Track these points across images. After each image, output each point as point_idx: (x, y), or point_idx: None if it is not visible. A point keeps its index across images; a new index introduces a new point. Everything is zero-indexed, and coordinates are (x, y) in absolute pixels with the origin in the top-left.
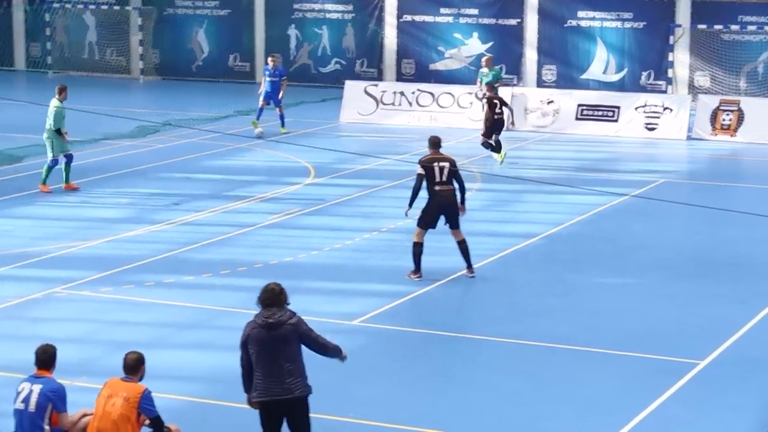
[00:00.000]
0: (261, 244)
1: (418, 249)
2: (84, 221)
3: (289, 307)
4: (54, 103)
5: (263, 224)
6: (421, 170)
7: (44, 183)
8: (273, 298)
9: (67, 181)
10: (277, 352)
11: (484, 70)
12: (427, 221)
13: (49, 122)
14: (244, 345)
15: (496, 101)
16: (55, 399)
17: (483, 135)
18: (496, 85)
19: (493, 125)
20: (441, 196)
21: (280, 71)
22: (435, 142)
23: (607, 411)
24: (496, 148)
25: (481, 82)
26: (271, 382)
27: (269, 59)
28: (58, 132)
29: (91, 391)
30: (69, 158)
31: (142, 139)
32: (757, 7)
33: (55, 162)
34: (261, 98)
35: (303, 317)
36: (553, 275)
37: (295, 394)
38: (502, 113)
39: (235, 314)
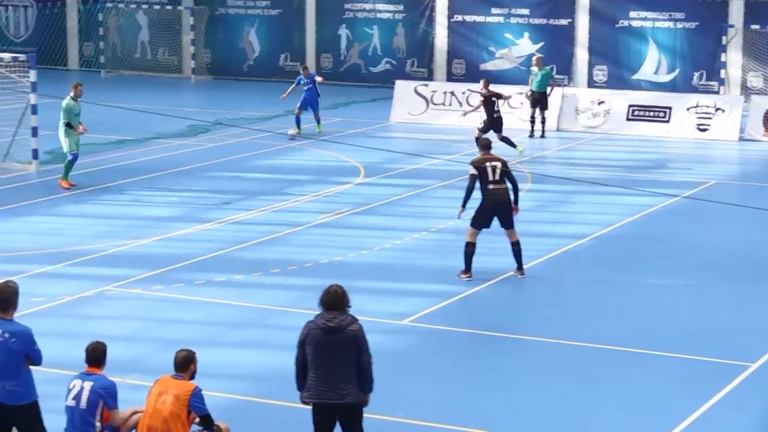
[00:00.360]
0: (311, 243)
1: (470, 249)
2: (135, 220)
3: (350, 310)
4: (66, 99)
5: (313, 223)
6: (474, 171)
7: (65, 178)
8: (335, 300)
9: (65, 177)
10: (334, 357)
11: (534, 69)
12: (480, 221)
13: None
14: (302, 344)
15: (493, 99)
16: (106, 396)
17: (479, 129)
18: (549, 88)
19: (493, 123)
20: (494, 195)
21: (312, 76)
22: (486, 144)
23: (657, 412)
24: (511, 142)
25: (532, 82)
26: (324, 385)
27: (301, 69)
28: (69, 126)
29: (142, 388)
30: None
31: (194, 138)
32: None
33: (74, 156)
34: (297, 107)
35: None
36: (604, 276)
37: (347, 401)
38: (499, 111)
39: (286, 313)
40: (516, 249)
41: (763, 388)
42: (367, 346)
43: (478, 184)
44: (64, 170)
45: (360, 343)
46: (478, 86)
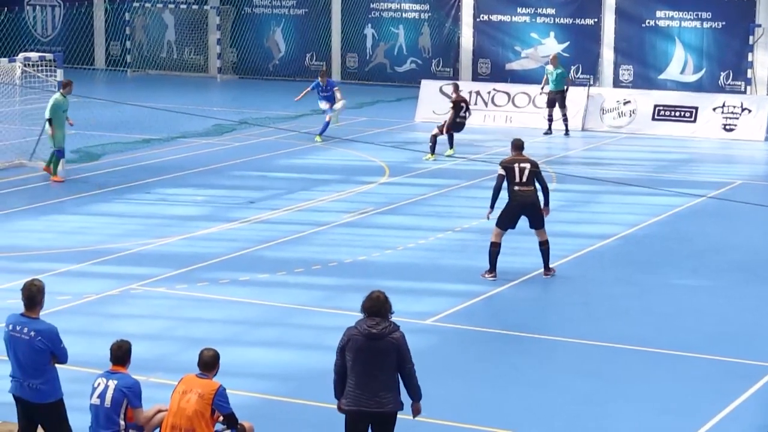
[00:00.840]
0: (335, 243)
1: (495, 249)
2: (160, 219)
3: (393, 316)
4: (55, 95)
5: (337, 223)
6: (501, 171)
7: (54, 174)
8: (378, 306)
9: (48, 165)
10: (373, 364)
11: (550, 67)
12: (506, 222)
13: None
14: (342, 351)
15: (462, 104)
16: (130, 395)
17: (438, 128)
18: (564, 87)
19: (454, 127)
20: (520, 197)
21: (332, 83)
22: (518, 145)
23: (681, 413)
24: (434, 148)
25: (547, 81)
26: (362, 392)
27: (319, 76)
28: (49, 123)
29: (167, 387)
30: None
31: (219, 137)
32: None
33: (59, 152)
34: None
35: None
36: (628, 276)
37: (386, 409)
38: (465, 117)
39: (309, 312)
40: (543, 248)
41: None
42: (410, 354)
43: (505, 185)
44: (53, 165)
45: (402, 352)
46: (449, 89)
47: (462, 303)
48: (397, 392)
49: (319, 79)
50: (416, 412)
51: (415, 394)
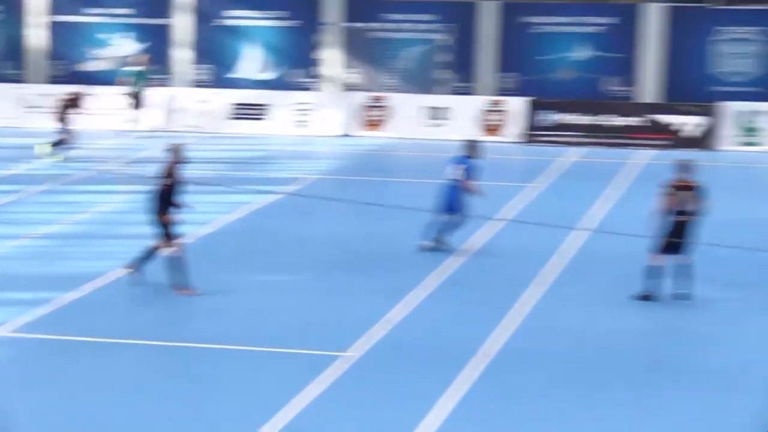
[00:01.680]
0: None
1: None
2: None
3: None
4: None
5: None
6: None
7: None
8: None
9: None
10: None
11: (126, 68)
12: None
13: None
14: None
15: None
16: None
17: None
18: (139, 88)
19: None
20: None
21: None
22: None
23: (264, 408)
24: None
25: (124, 81)
26: None
27: None
28: None
29: None
30: None
31: None
32: (403, 5)
33: None
34: None
35: None
36: (210, 275)
37: None
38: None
39: None
40: (146, 251)
41: (366, 376)
42: None
43: None
44: None
45: None
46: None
47: (40, 311)
48: None
49: None
50: None
51: None
